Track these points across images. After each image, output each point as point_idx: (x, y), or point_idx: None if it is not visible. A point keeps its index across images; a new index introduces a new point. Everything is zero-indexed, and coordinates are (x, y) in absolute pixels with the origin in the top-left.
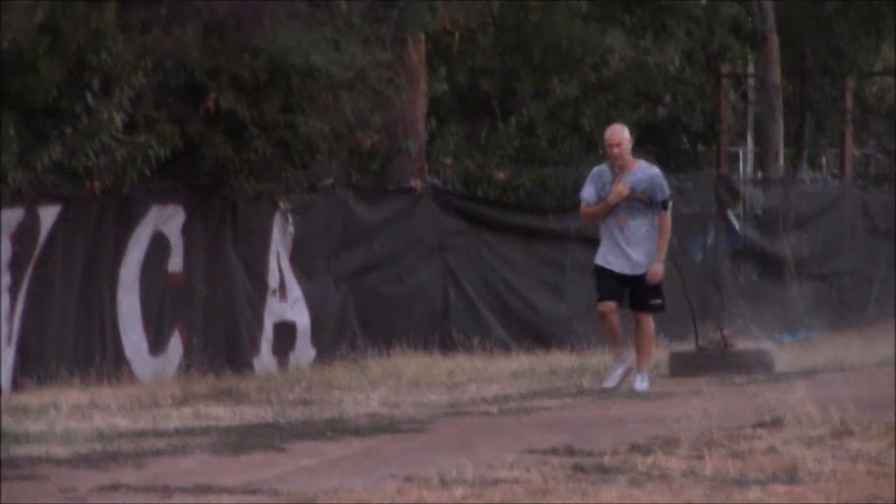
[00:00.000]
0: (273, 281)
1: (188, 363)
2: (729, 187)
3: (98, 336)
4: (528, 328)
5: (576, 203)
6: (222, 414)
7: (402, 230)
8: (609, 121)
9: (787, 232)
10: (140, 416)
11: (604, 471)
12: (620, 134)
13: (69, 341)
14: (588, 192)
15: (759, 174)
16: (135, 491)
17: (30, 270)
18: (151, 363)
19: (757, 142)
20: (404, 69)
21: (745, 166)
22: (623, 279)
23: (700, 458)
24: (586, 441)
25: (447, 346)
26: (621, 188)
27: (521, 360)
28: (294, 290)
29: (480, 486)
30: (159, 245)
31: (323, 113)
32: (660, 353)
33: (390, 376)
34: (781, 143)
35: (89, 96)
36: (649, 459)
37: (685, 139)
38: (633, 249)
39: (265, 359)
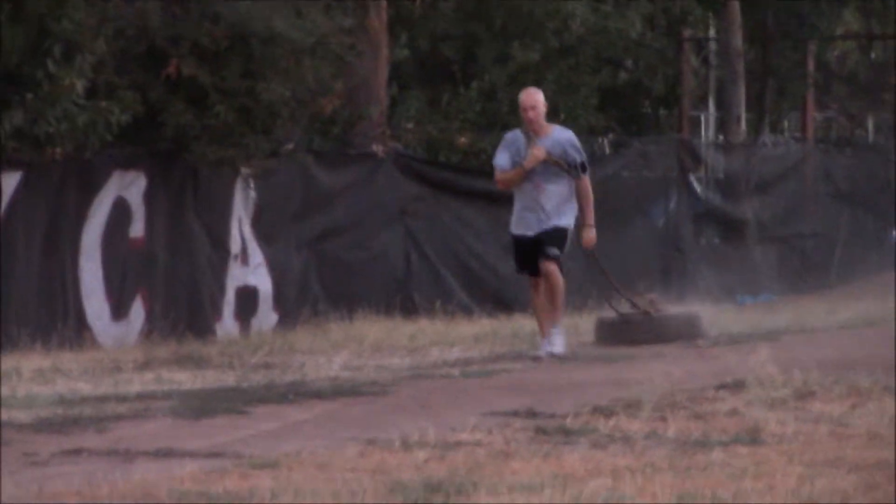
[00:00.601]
0: (235, 246)
1: (150, 328)
2: (691, 151)
3: (60, 302)
4: (490, 292)
5: None
6: (184, 379)
7: (363, 195)
8: (571, 86)
9: (749, 195)
10: (102, 381)
11: (566, 433)
12: (535, 97)
13: (31, 307)
14: (502, 158)
15: (721, 138)
16: (97, 455)
17: None
18: (113, 328)
19: (719, 106)
20: (366, 35)
21: (707, 130)
22: (536, 241)
23: (663, 420)
24: (548, 404)
25: (409, 310)
26: (537, 152)
27: (482, 324)
28: (256, 255)
29: (442, 448)
30: (121, 211)
31: (284, 79)
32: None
33: (352, 340)
34: (743, 108)
35: (51, 63)
36: (612, 422)
37: (647, 104)
38: (549, 214)
39: (227, 324)
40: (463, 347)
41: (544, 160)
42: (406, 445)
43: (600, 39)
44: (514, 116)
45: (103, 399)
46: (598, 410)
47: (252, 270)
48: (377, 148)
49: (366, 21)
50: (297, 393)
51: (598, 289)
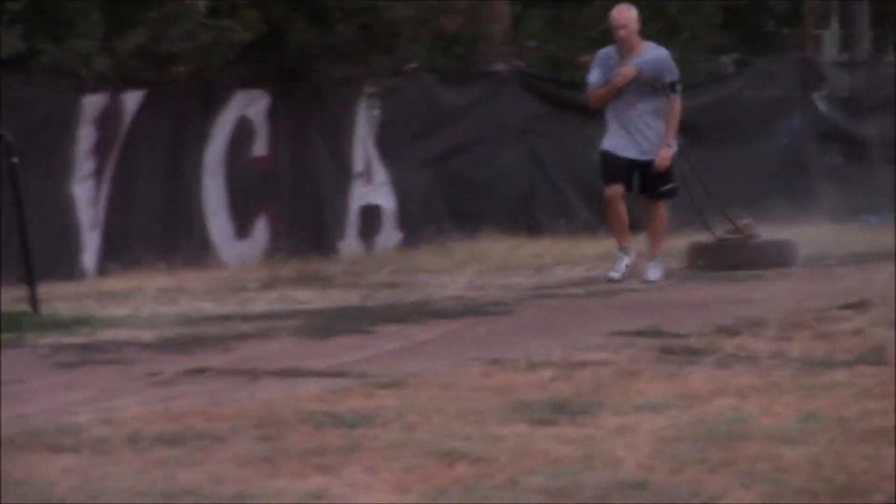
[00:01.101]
0: (358, 165)
1: (274, 247)
2: (814, 70)
3: (183, 221)
4: None
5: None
6: (308, 298)
7: (487, 114)
8: (694, 5)
9: (874, 114)
10: (226, 301)
11: (691, 352)
12: (627, 14)
13: (154, 227)
14: (594, 76)
15: (845, 56)
16: (221, 375)
17: (113, 156)
18: (237, 247)
19: (843, 24)
20: None
21: (831, 48)
22: (631, 164)
23: (787, 339)
24: (673, 323)
25: (533, 229)
26: (627, 71)
27: (606, 243)
28: (380, 174)
29: (567, 368)
30: (244, 130)
31: None
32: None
33: (476, 259)
34: (868, 25)
35: None
36: (736, 341)
37: (771, 22)
38: (641, 133)
39: (351, 242)
40: (587, 266)
41: (634, 79)
42: (530, 365)
43: None
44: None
45: (227, 318)
46: (722, 329)
47: (376, 189)
48: (500, 66)
49: None
50: (421, 312)
51: (692, 211)
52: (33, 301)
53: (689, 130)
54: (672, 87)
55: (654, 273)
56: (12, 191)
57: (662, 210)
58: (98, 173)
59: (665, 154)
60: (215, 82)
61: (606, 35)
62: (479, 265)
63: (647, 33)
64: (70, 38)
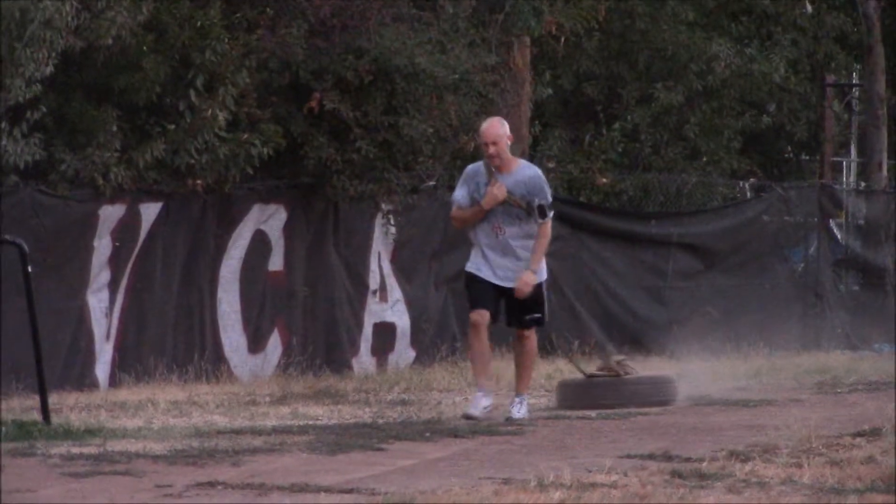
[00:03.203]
0: (374, 282)
1: (287, 362)
2: (832, 197)
3: (197, 334)
4: (628, 333)
5: (678, 210)
6: (320, 413)
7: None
8: (714, 129)
9: (890, 242)
10: (238, 414)
11: (702, 477)
12: (497, 129)
13: (168, 338)
14: (460, 194)
15: (863, 184)
16: (231, 488)
17: (130, 267)
18: (250, 362)
19: (861, 152)
20: (509, 73)
21: (849, 176)
22: (496, 290)
23: (798, 466)
24: (684, 447)
25: (547, 350)
26: (496, 191)
27: None
28: (394, 291)
29: (578, 489)
30: (260, 244)
31: (427, 115)
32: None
33: (489, 379)
34: (885, 154)
35: (193, 94)
36: (747, 466)
37: (789, 148)
38: (508, 259)
39: (364, 359)
40: None
41: (503, 201)
42: (542, 486)
43: (744, 82)
44: (656, 158)
45: (239, 432)
46: (734, 455)
47: (390, 306)
48: None
49: (509, 59)
50: (434, 430)
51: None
52: (45, 410)
53: (705, 254)
54: (542, 211)
55: (518, 410)
56: (26, 300)
57: (530, 343)
58: (113, 284)
59: (528, 280)
60: (233, 195)
61: (626, 157)
62: (492, 384)
63: (668, 156)
64: (89, 148)
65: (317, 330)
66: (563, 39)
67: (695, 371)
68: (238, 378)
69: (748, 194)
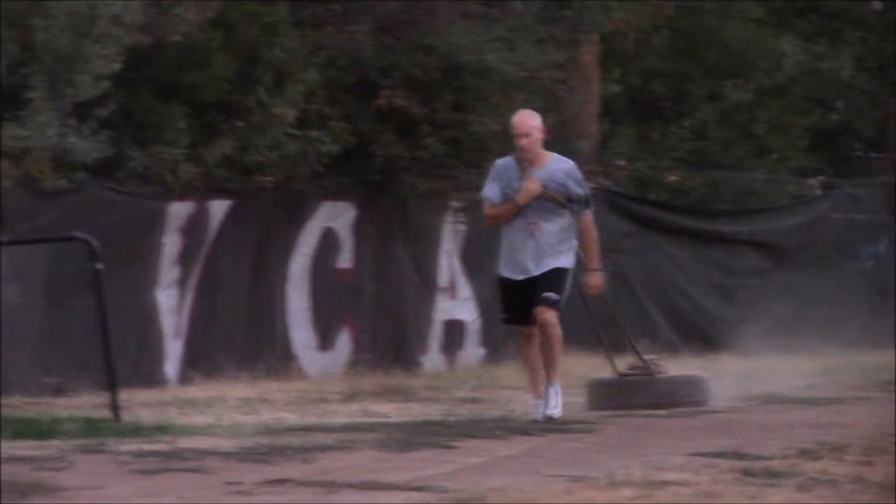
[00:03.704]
0: (443, 279)
1: (356, 359)
2: None
3: (267, 331)
4: (697, 331)
5: (747, 207)
6: (390, 410)
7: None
8: (781, 127)
9: None
10: (307, 411)
11: (772, 475)
12: (529, 122)
13: (237, 336)
14: (492, 191)
15: None
16: (301, 486)
17: (199, 264)
18: (320, 359)
19: None
20: (577, 70)
21: None
22: (527, 286)
23: (869, 464)
24: (754, 445)
25: (616, 347)
26: (532, 186)
27: (689, 363)
28: (464, 288)
29: (648, 487)
30: (329, 241)
31: (495, 112)
32: None
33: (560, 376)
34: None
35: (262, 91)
36: (818, 464)
37: (857, 146)
38: (543, 255)
39: (434, 356)
40: None
41: (539, 195)
42: (612, 483)
43: (812, 80)
44: (724, 155)
45: (309, 429)
46: (804, 453)
47: (460, 304)
48: (587, 184)
49: (577, 56)
50: (504, 428)
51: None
52: (114, 408)
53: (773, 252)
54: (585, 202)
55: (553, 405)
56: (96, 297)
57: (553, 330)
58: (182, 281)
59: (595, 281)
60: (301, 193)
61: (695, 154)
62: (562, 381)
63: (736, 154)
64: (157, 144)
65: (386, 327)
66: (631, 36)
67: (763, 369)
68: (307, 375)
69: (817, 192)
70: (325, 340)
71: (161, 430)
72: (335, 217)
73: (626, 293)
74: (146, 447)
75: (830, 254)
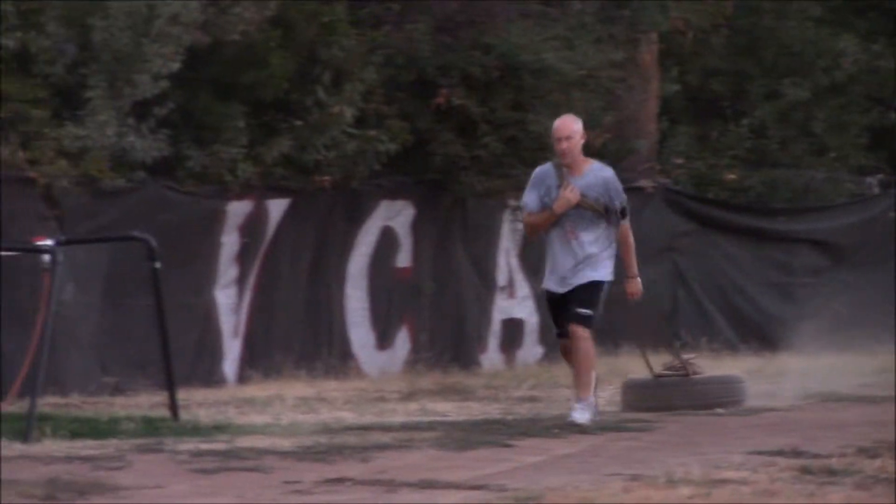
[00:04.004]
0: (502, 278)
1: (415, 358)
2: None
3: (325, 330)
4: (756, 329)
5: (805, 206)
6: (448, 409)
7: (632, 229)
8: (840, 125)
9: None
10: (366, 411)
11: (830, 473)
12: (571, 126)
13: (296, 335)
14: (530, 199)
15: None
16: (360, 485)
17: (257, 263)
18: (378, 358)
19: None
20: (636, 69)
21: None
22: (566, 297)
23: None
24: (812, 443)
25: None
26: (570, 194)
27: (748, 362)
28: (522, 287)
29: (707, 485)
30: (388, 240)
31: (554, 111)
32: None
33: (617, 375)
34: None
35: (320, 90)
36: (876, 463)
37: None
38: (581, 265)
39: (492, 355)
40: None
41: (577, 204)
42: (670, 482)
43: (870, 78)
44: (783, 153)
45: (367, 428)
46: (862, 451)
47: (518, 303)
48: (646, 182)
49: (636, 55)
50: (562, 427)
51: (640, 342)
52: (173, 407)
53: (832, 250)
54: (623, 212)
55: (581, 414)
56: (154, 296)
57: (585, 345)
58: (240, 280)
59: (635, 289)
60: (360, 192)
61: (753, 152)
62: (619, 381)
63: (795, 152)
64: (216, 144)
65: (444, 326)
66: (689, 35)
67: (821, 367)
68: (366, 374)
69: (875, 190)
70: (384, 339)
71: (219, 429)
72: (394, 216)
73: (685, 292)
74: (204, 446)
75: (888, 252)
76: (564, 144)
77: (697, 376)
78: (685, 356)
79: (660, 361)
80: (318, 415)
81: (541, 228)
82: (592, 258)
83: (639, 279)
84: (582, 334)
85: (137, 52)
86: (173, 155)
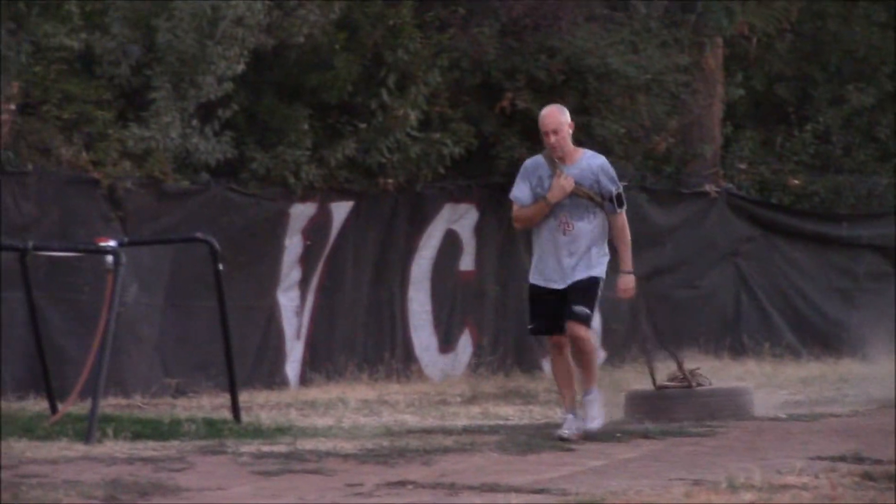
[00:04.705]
0: None
1: (477, 362)
2: None
3: (388, 333)
4: (819, 335)
5: (869, 212)
6: (511, 413)
7: (695, 234)
8: None
9: None
10: (428, 414)
11: (892, 479)
12: (559, 117)
13: (358, 337)
14: (521, 191)
15: None
16: (422, 488)
17: (320, 266)
18: (441, 361)
19: None
20: (701, 73)
21: None
22: (558, 295)
23: None
24: (874, 449)
25: (737, 351)
26: (564, 183)
27: (810, 367)
28: None
29: (769, 491)
30: (451, 243)
31: (619, 115)
32: None
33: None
34: None
35: (385, 93)
36: None
37: None
38: (575, 259)
39: None
40: (790, 390)
41: (572, 192)
42: (732, 487)
43: None
44: (847, 158)
45: (429, 431)
46: None
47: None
48: (710, 187)
49: (701, 59)
50: (624, 431)
51: (638, 348)
52: (235, 409)
53: (894, 257)
54: (618, 199)
55: (593, 414)
56: (217, 298)
57: (586, 345)
58: (303, 282)
59: (627, 284)
60: (424, 195)
61: (818, 158)
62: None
63: (859, 158)
64: (280, 146)
65: (507, 330)
66: (754, 40)
67: (884, 373)
68: (428, 377)
69: None
70: (447, 343)
71: (281, 431)
72: (457, 219)
73: (747, 297)
74: (266, 448)
75: None
76: (552, 138)
77: (701, 388)
78: (691, 368)
79: (665, 373)
80: (381, 418)
81: (534, 221)
82: (586, 255)
83: (633, 276)
84: (584, 335)
85: (202, 54)
86: (237, 157)
